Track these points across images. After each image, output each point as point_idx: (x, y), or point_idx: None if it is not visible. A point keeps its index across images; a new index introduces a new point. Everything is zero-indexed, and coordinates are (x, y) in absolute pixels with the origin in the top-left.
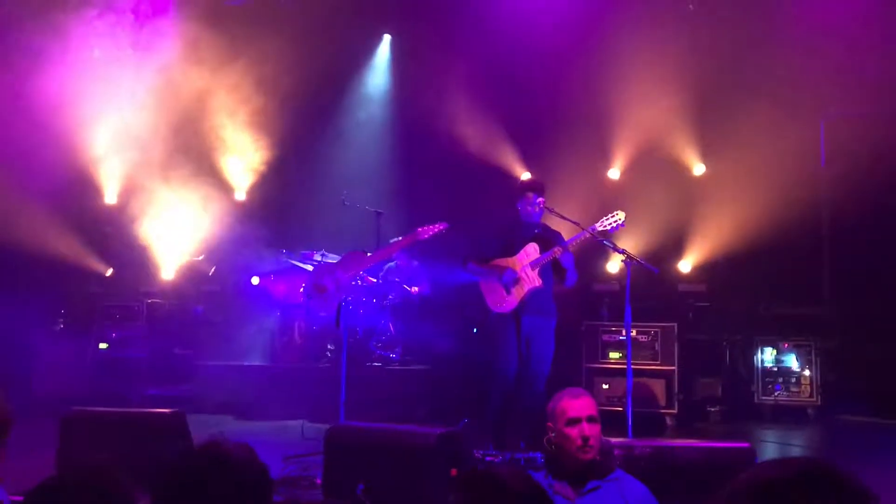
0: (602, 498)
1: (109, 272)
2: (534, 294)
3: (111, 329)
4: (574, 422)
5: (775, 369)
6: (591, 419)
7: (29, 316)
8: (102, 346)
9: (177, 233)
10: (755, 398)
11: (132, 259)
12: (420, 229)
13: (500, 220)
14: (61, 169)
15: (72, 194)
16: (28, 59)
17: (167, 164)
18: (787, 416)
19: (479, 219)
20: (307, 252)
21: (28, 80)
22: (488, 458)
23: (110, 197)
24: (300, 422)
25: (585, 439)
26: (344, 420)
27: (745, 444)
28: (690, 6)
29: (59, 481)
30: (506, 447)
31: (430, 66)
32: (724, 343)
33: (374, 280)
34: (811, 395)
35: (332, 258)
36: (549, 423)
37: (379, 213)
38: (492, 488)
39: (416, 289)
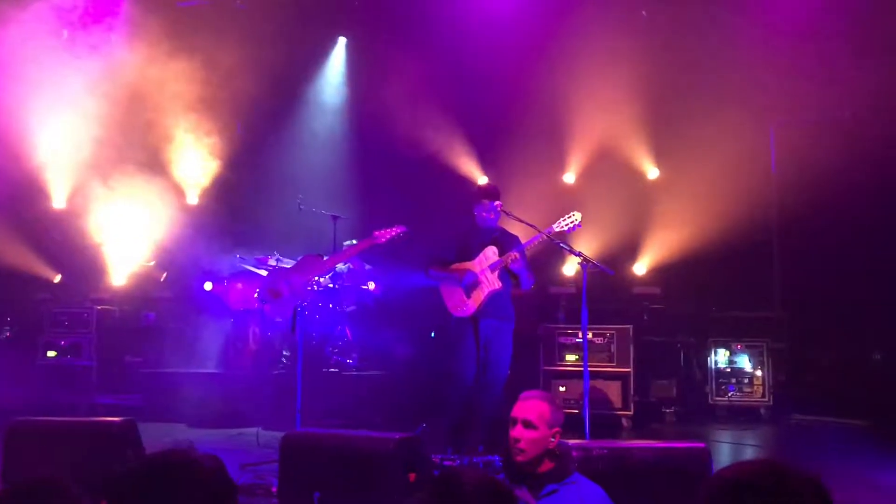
0: (559, 501)
1: (58, 278)
2: (493, 297)
3: (60, 337)
4: (511, 422)
5: (728, 370)
6: (526, 423)
7: None
8: (51, 354)
9: (127, 237)
10: (709, 399)
11: (81, 265)
12: (377, 233)
13: (458, 225)
14: (6, 173)
15: (18, 199)
16: None
17: (117, 168)
18: (741, 416)
19: (437, 222)
20: (262, 257)
21: None
22: (447, 463)
23: (58, 201)
24: (255, 429)
25: (515, 441)
26: (300, 427)
27: (701, 445)
28: (644, 13)
29: (6, 494)
30: (464, 451)
31: (386, 69)
32: (679, 345)
33: (331, 285)
34: (763, 395)
35: (288, 263)
36: None
37: (335, 217)
38: (451, 490)
39: (373, 285)
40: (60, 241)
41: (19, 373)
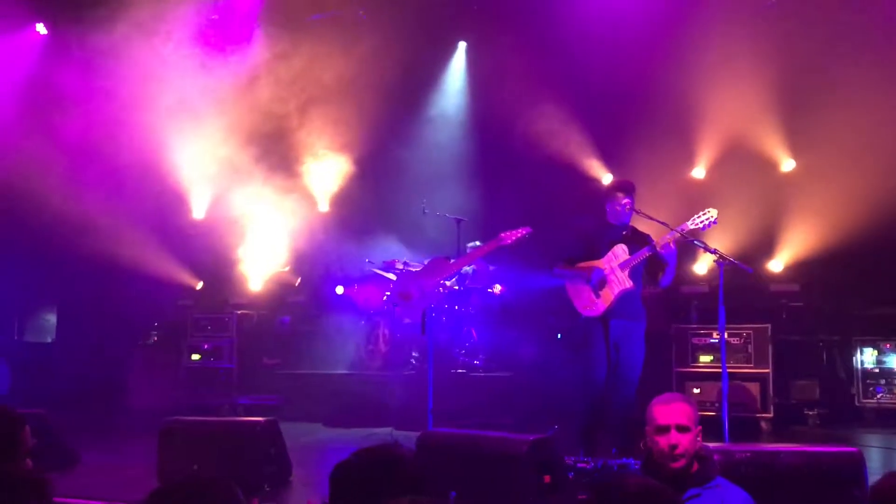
0: None
1: (200, 285)
2: (623, 296)
3: (202, 340)
4: (662, 430)
5: (877, 370)
6: (680, 428)
7: (125, 330)
8: (194, 357)
9: (263, 245)
10: (856, 401)
11: (221, 272)
12: (503, 234)
13: (585, 222)
14: (151, 188)
15: (162, 212)
16: (113, 84)
17: (252, 179)
18: (891, 419)
19: (561, 222)
20: (389, 261)
21: (116, 103)
22: (580, 465)
23: (198, 213)
24: (388, 429)
25: (673, 447)
26: (432, 427)
27: (853, 449)
28: None
29: (176, 491)
30: (597, 453)
31: (506, 70)
32: (821, 344)
33: (457, 287)
34: None
35: (414, 266)
36: (647, 427)
37: (459, 220)
38: (615, 496)
39: (499, 288)
40: (201, 250)
41: (166, 375)
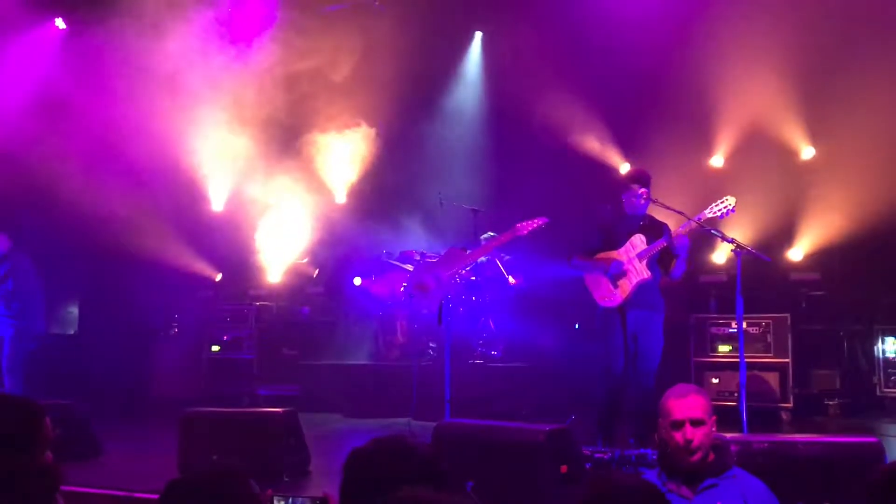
0: (719, 496)
1: (219, 277)
2: (641, 287)
3: (222, 332)
4: (677, 425)
5: None
6: (694, 422)
7: (146, 321)
8: (214, 348)
9: (281, 236)
10: (877, 391)
11: (240, 264)
12: (520, 225)
13: (603, 212)
14: (170, 180)
15: (181, 204)
16: (132, 76)
17: (270, 170)
18: None
19: (578, 212)
20: (406, 252)
21: (134, 97)
22: (598, 455)
23: (217, 205)
24: (406, 419)
25: (688, 442)
26: (449, 417)
27: (873, 439)
28: None
29: (191, 482)
30: (615, 444)
31: (523, 60)
32: (842, 333)
33: (473, 277)
34: None
35: (431, 257)
36: (661, 420)
37: (475, 211)
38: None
39: (512, 279)
40: (220, 242)
41: (186, 366)
